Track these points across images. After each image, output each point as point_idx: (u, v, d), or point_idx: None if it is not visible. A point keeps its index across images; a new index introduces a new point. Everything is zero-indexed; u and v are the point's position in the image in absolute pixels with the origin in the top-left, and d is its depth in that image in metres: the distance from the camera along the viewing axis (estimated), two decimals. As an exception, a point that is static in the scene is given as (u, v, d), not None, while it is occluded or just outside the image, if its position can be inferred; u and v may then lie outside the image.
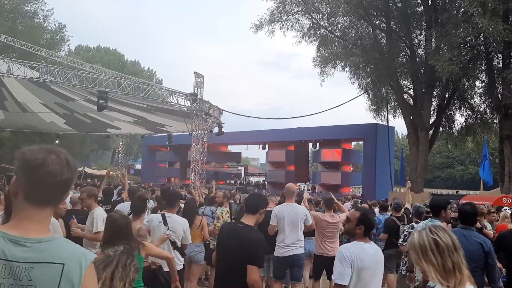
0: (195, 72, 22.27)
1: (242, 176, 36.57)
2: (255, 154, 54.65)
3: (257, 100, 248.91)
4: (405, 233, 5.93)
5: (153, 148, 38.94)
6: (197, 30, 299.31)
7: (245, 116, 61.31)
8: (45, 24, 37.02)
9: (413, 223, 6.08)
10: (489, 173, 18.85)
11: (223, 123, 23.75)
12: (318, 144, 31.09)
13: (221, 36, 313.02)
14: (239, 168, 37.60)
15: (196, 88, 21.97)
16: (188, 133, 22.78)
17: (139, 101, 21.58)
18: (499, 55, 19.80)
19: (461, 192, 24.86)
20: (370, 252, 3.16)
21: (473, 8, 16.51)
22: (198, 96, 21.43)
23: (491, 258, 3.62)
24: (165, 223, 4.66)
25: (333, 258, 6.10)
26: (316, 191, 28.70)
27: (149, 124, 27.40)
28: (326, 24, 22.81)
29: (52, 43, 36.32)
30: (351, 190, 31.08)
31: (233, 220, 6.03)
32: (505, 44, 17.98)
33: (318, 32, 23.13)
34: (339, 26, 22.92)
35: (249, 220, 3.40)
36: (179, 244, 4.68)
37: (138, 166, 44.62)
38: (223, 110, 23.98)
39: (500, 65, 19.75)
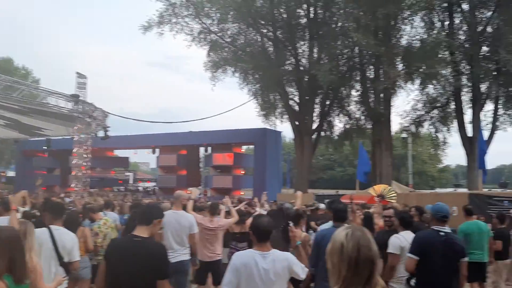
0: (77, 72, 20.86)
1: (131, 182, 35.12)
2: (145, 158, 52.87)
3: (146, 103, 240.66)
4: None
5: (29, 153, 35.40)
6: (81, 27, 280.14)
7: (134, 119, 58.92)
8: None
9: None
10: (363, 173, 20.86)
11: (108, 127, 22.56)
12: (210, 148, 31.20)
13: (108, 34, 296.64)
14: (127, 173, 36.03)
15: (78, 89, 20.56)
16: (69, 137, 21.22)
17: (12, 102, 19.47)
18: (371, 67, 21.91)
19: (340, 192, 26.86)
20: (259, 262, 3.08)
21: (349, 23, 18.06)
22: (81, 98, 20.07)
23: None
24: (53, 237, 4.18)
25: (214, 262, 6.23)
26: (208, 195, 28.72)
27: (24, 127, 24.88)
28: (216, 29, 23.03)
29: None
30: (242, 193, 31.73)
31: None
32: (376, 58, 19.95)
33: (208, 37, 23.26)
34: (229, 32, 23.31)
35: (143, 231, 3.19)
36: (66, 259, 4.17)
37: (11, 174, 40.22)
38: (108, 113, 22.80)
39: (372, 76, 21.86)
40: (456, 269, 4.11)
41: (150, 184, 37.22)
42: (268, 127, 26.54)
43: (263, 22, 22.45)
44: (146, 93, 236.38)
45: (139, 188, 34.77)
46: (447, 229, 4.18)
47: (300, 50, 23.20)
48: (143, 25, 22.58)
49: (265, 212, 7.65)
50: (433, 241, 4.10)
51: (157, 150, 32.41)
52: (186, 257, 5.68)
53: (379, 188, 12.08)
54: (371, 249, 1.83)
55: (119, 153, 37.94)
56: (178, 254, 5.56)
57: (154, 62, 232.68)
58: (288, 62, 23.29)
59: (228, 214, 7.20)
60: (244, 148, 35.69)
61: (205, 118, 40.75)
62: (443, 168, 55.19)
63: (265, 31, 23.05)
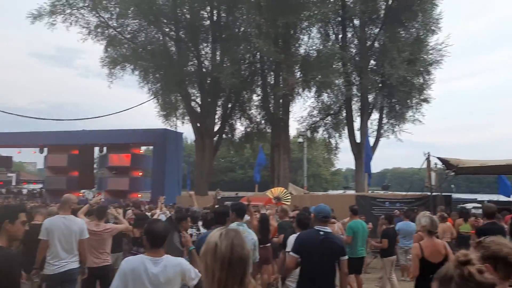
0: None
1: (14, 183, 31.88)
2: (31, 158, 48.45)
3: (33, 97, 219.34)
4: None
5: None
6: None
7: (18, 115, 53.63)
8: None
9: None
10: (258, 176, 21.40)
11: (-12, 123, 20.26)
12: (105, 148, 29.62)
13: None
14: (9, 174, 32.62)
15: (-50, 79, 18.11)
16: None
17: None
18: (272, 73, 22.65)
19: (240, 194, 27.32)
20: (149, 267, 3.02)
21: (251, 29, 18.45)
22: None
23: None
24: None
25: (101, 269, 5.92)
26: (103, 199, 27.19)
27: None
28: (115, 24, 21.94)
29: None
30: (139, 195, 30.63)
31: None
32: (276, 64, 20.67)
33: (106, 31, 22.07)
34: (129, 28, 22.34)
35: None
36: None
37: None
38: (-12, 107, 20.45)
39: (272, 82, 22.59)
40: (333, 267, 4.35)
41: (36, 186, 34.15)
42: (169, 128, 26.01)
43: (165, 20, 21.97)
44: (33, 87, 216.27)
45: (24, 190, 31.72)
46: (327, 229, 4.41)
47: (203, 52, 23.14)
48: (32, 13, 20.73)
49: (164, 216, 7.47)
50: (313, 240, 4.30)
51: (46, 149, 29.91)
52: (75, 265, 5.30)
53: (276, 190, 12.51)
54: (244, 248, 1.84)
55: (1, 151, 34.39)
56: (66, 262, 5.17)
57: (43, 54, 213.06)
58: (191, 63, 23.07)
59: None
60: (143, 149, 34.51)
61: (100, 117, 38.45)
62: (335, 171, 59.11)
63: (167, 30, 22.57)
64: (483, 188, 53.12)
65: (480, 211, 14.92)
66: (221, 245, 1.81)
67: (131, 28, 22.42)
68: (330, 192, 41.50)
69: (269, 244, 7.59)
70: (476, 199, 26.09)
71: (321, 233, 4.30)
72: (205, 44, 23.18)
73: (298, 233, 4.76)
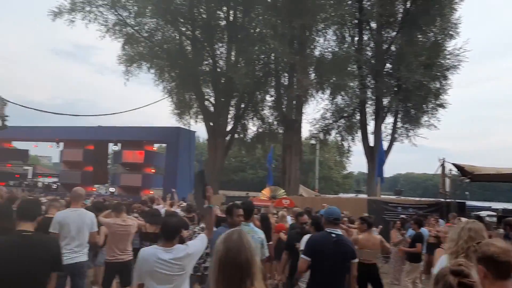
0: (-29, 54, 18.73)
1: (29, 177, 32.35)
2: (46, 152, 49.19)
3: (50, 93, 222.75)
4: None
5: None
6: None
7: (36, 109, 54.27)
8: None
9: None
10: (271, 177, 21.44)
11: (7, 116, 20.61)
12: (119, 144, 29.95)
13: (7, 15, 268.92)
14: (25, 167, 33.13)
15: (-29, 73, 18.51)
16: (-43, 125, 18.96)
17: None
18: (286, 75, 22.65)
19: (251, 194, 27.37)
20: (161, 255, 3.27)
21: (266, 30, 18.49)
22: (-26, 83, 18.10)
23: None
24: None
25: (125, 262, 6.00)
26: (116, 193, 27.48)
27: None
28: (133, 22, 22.19)
29: None
30: (151, 192, 30.89)
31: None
32: (290, 66, 20.67)
33: (124, 29, 22.34)
34: (146, 27, 22.58)
35: (30, 227, 3.19)
36: None
37: None
38: (8, 101, 20.82)
39: (286, 83, 22.59)
40: (344, 270, 4.37)
41: (51, 180, 34.55)
42: (182, 126, 26.21)
43: (182, 20, 22.14)
44: (50, 83, 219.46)
45: (39, 183, 32.17)
46: (338, 231, 4.43)
47: (218, 52, 23.24)
48: (53, 10, 21.08)
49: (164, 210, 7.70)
50: (325, 243, 4.31)
51: (61, 144, 30.35)
52: (84, 258, 5.39)
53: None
54: (240, 253, 1.80)
55: (18, 145, 35.00)
56: (77, 255, 5.26)
57: (61, 50, 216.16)
58: (206, 62, 23.19)
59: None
60: (156, 146, 34.79)
61: (116, 113, 38.86)
62: (347, 174, 58.68)
63: (183, 29, 22.73)
64: (497, 196, 52.28)
65: (494, 219, 14.72)
66: (219, 248, 1.83)
67: (148, 26, 22.65)
68: (342, 195, 41.26)
69: (270, 243, 7.70)
70: (490, 207, 25.66)
71: (333, 235, 4.32)
72: (220, 44, 23.30)
73: (310, 235, 4.78)
